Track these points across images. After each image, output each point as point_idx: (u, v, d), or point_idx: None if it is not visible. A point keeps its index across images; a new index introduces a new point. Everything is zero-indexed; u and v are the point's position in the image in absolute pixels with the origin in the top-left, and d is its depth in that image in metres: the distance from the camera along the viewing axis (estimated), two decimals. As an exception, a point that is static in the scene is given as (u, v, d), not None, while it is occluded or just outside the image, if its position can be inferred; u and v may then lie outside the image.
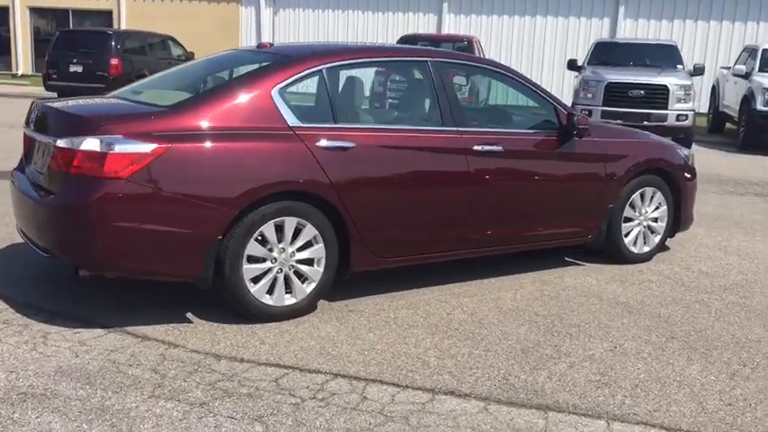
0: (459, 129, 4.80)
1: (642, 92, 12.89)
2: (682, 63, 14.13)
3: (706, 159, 11.96)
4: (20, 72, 24.97)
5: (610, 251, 5.72)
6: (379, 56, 5.23)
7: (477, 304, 4.72)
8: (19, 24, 24.85)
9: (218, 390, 3.42)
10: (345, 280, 4.59)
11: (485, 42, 19.80)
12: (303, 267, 4.30)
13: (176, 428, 3.07)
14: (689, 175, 6.04)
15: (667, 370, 3.85)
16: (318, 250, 4.31)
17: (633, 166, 5.59)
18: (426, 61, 4.88)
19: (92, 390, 3.37)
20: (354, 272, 4.54)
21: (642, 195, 5.74)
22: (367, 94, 5.09)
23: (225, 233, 4.02)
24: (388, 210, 4.52)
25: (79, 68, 16.74)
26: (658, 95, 12.85)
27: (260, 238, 4.13)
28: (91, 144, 3.82)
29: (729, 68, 15.66)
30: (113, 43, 16.91)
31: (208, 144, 4.00)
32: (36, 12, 25.09)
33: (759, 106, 12.90)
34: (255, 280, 4.16)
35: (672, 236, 6.11)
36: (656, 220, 5.87)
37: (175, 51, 19.09)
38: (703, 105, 17.86)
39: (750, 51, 14.93)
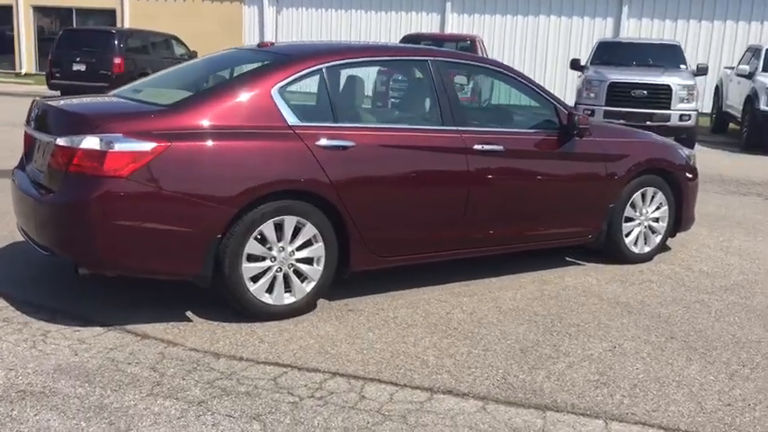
0: (460, 128, 4.80)
1: (645, 92, 12.87)
2: (685, 63, 14.11)
3: (709, 159, 11.94)
4: (23, 71, 25.03)
5: (610, 251, 5.71)
6: (380, 55, 5.24)
7: (477, 304, 4.72)
8: (23, 23, 24.91)
9: (216, 388, 3.43)
10: (345, 279, 4.59)
11: (488, 42, 19.79)
12: (302, 266, 4.30)
13: (174, 427, 3.08)
14: (690, 176, 6.03)
15: (666, 370, 3.84)
16: (318, 249, 4.31)
17: (634, 166, 5.58)
18: (426, 60, 4.88)
19: (90, 388, 3.37)
20: (354, 271, 4.54)
21: (643, 195, 5.74)
22: (367, 93, 5.09)
23: (224, 232, 4.03)
24: (387, 209, 4.52)
25: (82, 67, 16.77)
26: (661, 95, 12.83)
27: (259, 236, 4.13)
28: (91, 143, 3.83)
29: (733, 68, 15.63)
30: (116, 42, 16.93)
31: (207, 143, 4.00)
32: (40, 10, 25.14)
33: (762, 106, 12.87)
34: (255, 279, 4.16)
35: (673, 236, 6.10)
36: (656, 220, 5.86)
37: (178, 50, 19.11)
38: (707, 105, 17.83)
39: (754, 51, 14.89)
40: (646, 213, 5.79)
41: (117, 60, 16.66)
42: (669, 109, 12.80)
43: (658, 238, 5.90)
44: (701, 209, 7.57)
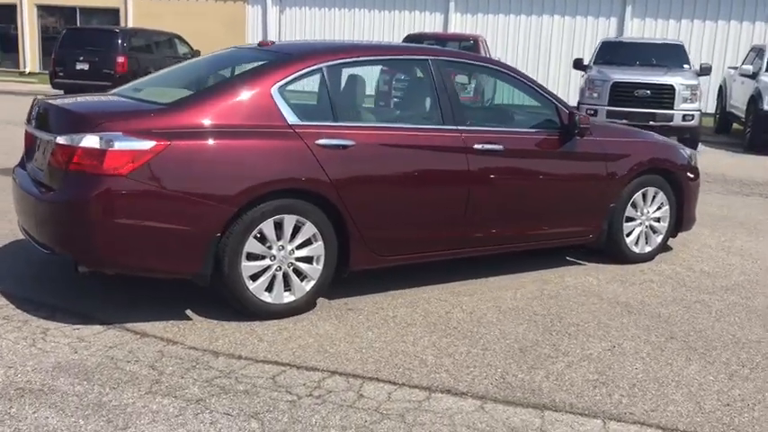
0: (460, 127, 4.79)
1: (648, 91, 12.85)
2: (688, 63, 14.08)
3: (712, 159, 11.93)
4: (27, 70, 25.09)
5: (611, 251, 5.71)
6: (380, 54, 5.23)
7: (477, 303, 4.72)
8: (27, 22, 24.96)
9: (215, 386, 3.43)
10: (345, 278, 4.59)
11: (491, 41, 19.77)
12: (302, 265, 4.30)
13: (172, 424, 3.08)
14: (692, 175, 6.02)
15: (666, 370, 3.84)
16: (317, 248, 4.32)
17: (635, 166, 5.57)
18: (427, 60, 4.88)
19: (89, 385, 3.38)
20: (353, 270, 4.55)
21: (644, 195, 5.73)
22: (367, 92, 5.08)
23: (224, 230, 4.03)
24: (387, 208, 4.52)
25: (86, 66, 16.81)
26: (664, 95, 12.81)
27: (259, 235, 4.13)
28: (90, 141, 3.84)
29: (737, 68, 15.60)
30: (120, 41, 16.96)
31: (207, 141, 4.01)
32: (43, 9, 25.20)
33: (766, 106, 12.83)
34: (254, 277, 4.17)
35: (674, 236, 6.09)
36: (658, 219, 5.85)
37: (182, 49, 19.14)
38: (710, 105, 17.80)
39: (757, 51, 14.85)
40: (647, 213, 5.78)
41: (120, 59, 16.69)
42: (672, 109, 12.78)
43: (659, 238, 5.89)
44: (704, 209, 7.56)
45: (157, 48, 18.40)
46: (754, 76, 13.68)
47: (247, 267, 4.13)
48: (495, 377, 3.67)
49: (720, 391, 3.62)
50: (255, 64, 4.59)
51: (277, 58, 4.55)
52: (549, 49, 20.96)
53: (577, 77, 16.66)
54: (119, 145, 3.83)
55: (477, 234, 4.94)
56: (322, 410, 3.26)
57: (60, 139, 3.94)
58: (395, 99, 6.74)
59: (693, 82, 12.95)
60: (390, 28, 21.94)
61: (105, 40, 17.13)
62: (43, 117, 4.38)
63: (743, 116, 14.10)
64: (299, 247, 4.28)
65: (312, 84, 4.60)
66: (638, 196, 5.68)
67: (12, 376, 3.44)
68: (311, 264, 4.33)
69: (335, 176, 4.28)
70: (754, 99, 13.24)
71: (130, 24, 23.43)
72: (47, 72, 19.67)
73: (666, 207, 5.85)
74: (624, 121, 11.75)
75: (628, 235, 5.71)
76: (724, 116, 16.01)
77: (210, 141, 4.01)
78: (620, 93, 12.97)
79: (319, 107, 4.61)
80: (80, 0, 24.42)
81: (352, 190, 4.35)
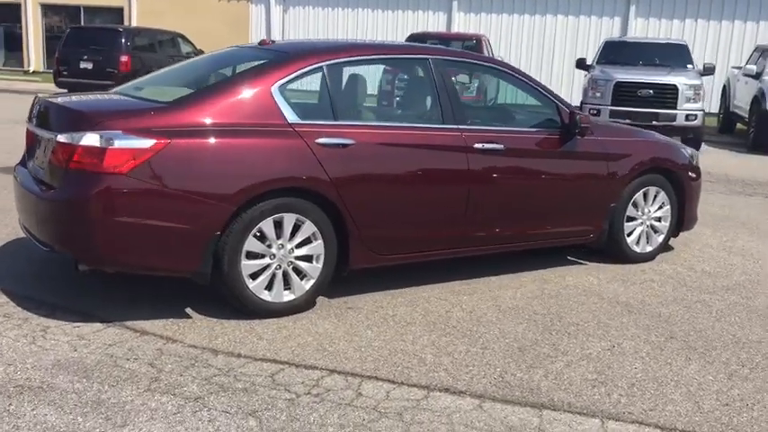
0: (460, 126, 4.79)
1: (651, 91, 12.82)
2: (692, 62, 14.05)
3: (715, 159, 11.91)
4: (31, 69, 25.12)
5: (612, 250, 5.70)
6: (380, 53, 5.22)
7: (477, 302, 4.72)
8: (31, 21, 25.00)
9: (213, 384, 3.44)
10: (345, 277, 4.60)
11: (494, 41, 19.76)
12: (302, 264, 4.31)
13: (170, 422, 3.09)
14: (693, 175, 6.01)
15: (665, 369, 3.83)
16: (317, 247, 4.32)
17: (636, 166, 5.57)
18: (427, 59, 4.88)
19: (88, 383, 3.39)
20: (353, 269, 4.55)
21: (645, 195, 5.72)
22: (367, 91, 5.09)
23: (223, 229, 4.04)
24: (387, 207, 4.52)
25: (89, 65, 16.83)
26: (667, 95, 12.78)
27: (258, 234, 4.14)
28: (91, 139, 3.84)
29: (740, 68, 15.56)
30: (123, 40, 16.98)
31: (207, 140, 4.01)
32: (48, 8, 25.22)
33: (769, 106, 12.81)
34: (254, 276, 4.17)
35: (675, 235, 6.08)
36: (659, 219, 5.84)
37: (185, 49, 19.15)
38: (714, 105, 17.77)
39: (761, 51, 14.82)
40: (648, 213, 5.77)
41: (124, 58, 16.71)
42: (675, 109, 12.75)
43: (660, 238, 5.88)
44: (706, 209, 7.55)
45: (161, 47, 18.42)
46: (757, 76, 13.65)
47: (247, 266, 4.13)
48: (494, 376, 3.67)
49: (719, 391, 3.61)
50: (256, 63, 4.59)
51: (277, 57, 4.56)
52: (553, 49, 20.93)
53: (581, 77, 16.64)
54: (119, 143, 3.83)
55: (478, 233, 4.94)
56: (320, 409, 3.26)
57: (61, 138, 3.95)
58: (395, 98, 6.74)
59: (696, 82, 12.91)
60: (394, 27, 21.93)
61: (109, 39, 17.15)
62: (44, 115, 4.39)
63: (746, 116, 14.08)
64: (299, 245, 4.28)
65: (312, 83, 4.60)
66: (639, 196, 5.67)
67: (11, 373, 3.45)
68: (311, 262, 4.33)
69: (335, 175, 4.28)
70: (758, 99, 13.21)
71: (134, 23, 23.46)
72: (51, 71, 19.70)
73: (668, 207, 5.84)
74: (627, 121, 11.73)
75: (629, 234, 5.70)
76: (727, 116, 15.98)
77: (210, 140, 4.02)
78: (623, 92, 12.94)
79: (319, 106, 4.62)
80: (84, -1, 24.48)
81: (352, 189, 4.36)
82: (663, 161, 5.76)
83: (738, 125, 15.57)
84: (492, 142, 4.86)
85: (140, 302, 4.38)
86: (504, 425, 3.21)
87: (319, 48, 4.82)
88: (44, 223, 4.15)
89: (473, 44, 15.75)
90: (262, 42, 4.99)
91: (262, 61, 4.57)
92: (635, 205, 5.68)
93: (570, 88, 19.83)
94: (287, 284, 4.29)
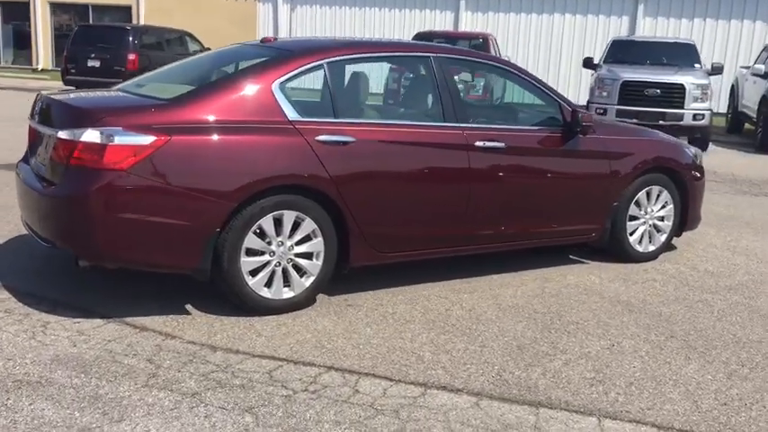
0: (461, 124, 4.79)
1: (658, 90, 12.77)
2: (699, 62, 13.98)
3: (723, 159, 11.86)
4: (40, 66, 25.25)
5: (614, 249, 5.68)
6: (382, 51, 5.22)
7: (477, 301, 4.71)
8: (39, 19, 25.12)
9: (211, 380, 3.45)
10: (346, 274, 4.60)
11: (502, 40, 19.73)
12: (302, 261, 4.31)
13: (167, 418, 3.10)
14: (697, 174, 5.98)
15: (664, 369, 3.82)
16: (317, 244, 4.32)
17: (639, 164, 5.55)
18: (429, 57, 4.87)
19: (86, 378, 3.40)
20: (353, 266, 4.55)
21: (648, 194, 5.70)
22: (368, 89, 5.09)
23: (223, 226, 4.04)
24: (387, 205, 4.52)
25: (97, 63, 16.91)
26: (674, 94, 12.73)
27: (258, 231, 4.15)
28: (91, 136, 3.86)
29: (749, 68, 15.48)
30: (131, 38, 17.05)
31: (207, 137, 4.02)
32: (56, 7, 25.35)
33: (777, 106, 12.74)
34: (253, 273, 4.18)
35: (678, 235, 6.06)
36: (662, 218, 5.82)
37: (192, 47, 19.20)
38: (722, 105, 17.69)
39: (770, 51, 14.75)
40: (651, 212, 5.75)
41: (131, 57, 16.78)
42: (682, 108, 12.69)
43: (663, 237, 5.85)
44: (711, 208, 7.53)
45: (168, 45, 18.47)
46: (766, 75, 13.57)
47: (246, 263, 4.14)
48: (492, 374, 3.66)
49: (718, 391, 3.60)
50: (257, 60, 4.60)
51: (278, 55, 4.56)
52: (561, 48, 20.87)
53: (588, 76, 16.59)
54: (119, 140, 3.84)
55: (478, 231, 4.93)
56: (317, 405, 3.27)
57: (62, 134, 3.97)
58: (396, 96, 6.74)
59: (704, 81, 12.85)
60: (401, 26, 21.93)
61: (116, 37, 17.22)
62: (46, 112, 4.41)
63: (754, 116, 14.00)
64: (299, 242, 4.28)
65: (313, 80, 4.61)
66: (641, 195, 5.65)
67: (10, 368, 3.47)
68: (311, 260, 4.34)
69: (335, 173, 4.28)
70: (766, 99, 13.14)
71: (142, 22, 23.54)
72: (59, 69, 19.80)
73: (671, 206, 5.82)
74: (634, 121, 11.68)
75: (631, 234, 5.69)
76: (736, 116, 15.90)
77: (210, 137, 4.03)
78: (630, 92, 12.89)
79: (320, 103, 4.62)
80: (92, -3, 24.58)
81: (352, 186, 4.36)
82: (666, 160, 5.74)
83: (746, 125, 15.49)
84: (493, 140, 4.86)
85: (141, 299, 4.40)
86: (500, 423, 3.20)
87: (320, 45, 4.82)
88: (45, 219, 4.16)
89: (480, 43, 15.73)
90: (263, 40, 5.00)
91: (263, 58, 4.57)
92: (638, 204, 5.66)
93: (578, 88, 19.78)
94: (286, 281, 4.30)
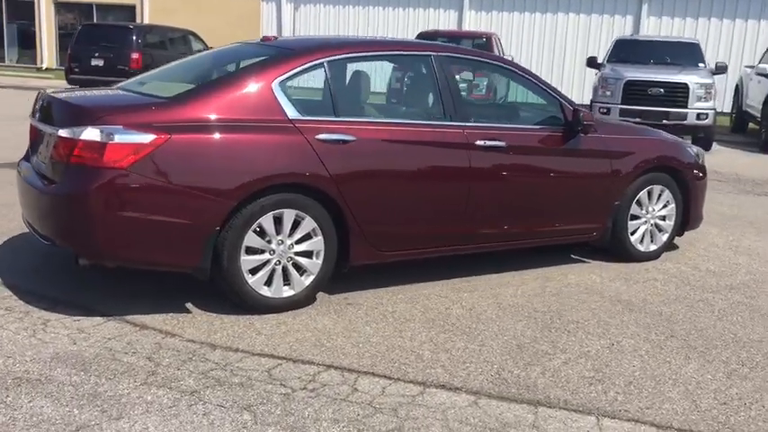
0: (462, 123, 4.78)
1: (662, 90, 12.74)
2: (703, 61, 13.95)
3: (727, 159, 11.84)
4: (44, 65, 25.32)
5: (615, 249, 5.67)
6: (382, 50, 5.21)
7: (477, 300, 4.71)
8: (44, 18, 25.19)
9: (210, 378, 3.45)
10: (346, 273, 4.60)
11: (505, 39, 19.72)
12: (302, 260, 4.31)
13: (165, 415, 3.10)
14: (699, 174, 5.96)
15: (663, 368, 3.81)
16: (317, 243, 4.32)
17: (641, 164, 5.54)
18: (429, 55, 4.87)
19: (86, 376, 3.41)
20: (353, 265, 4.55)
21: (650, 193, 5.68)
22: (369, 87, 5.09)
23: (223, 224, 4.05)
24: (387, 204, 4.52)
25: (100, 62, 16.94)
26: (678, 94, 12.70)
27: (258, 229, 4.15)
28: (91, 134, 3.86)
29: (753, 67, 15.44)
30: (134, 38, 17.08)
31: (207, 135, 4.03)
32: (61, 6, 25.41)
33: (782, 106, 12.70)
34: (253, 271, 4.18)
35: (680, 234, 6.04)
36: (663, 218, 5.81)
37: (196, 46, 19.21)
38: (727, 105, 17.65)
39: (774, 50, 14.71)
40: (652, 211, 5.74)
41: (135, 56, 16.81)
42: (686, 107, 12.66)
43: (665, 237, 5.84)
44: (713, 208, 7.51)
45: (172, 44, 18.50)
46: (770, 75, 13.55)
47: (246, 261, 4.14)
48: (491, 373, 3.66)
49: (718, 390, 3.59)
50: (258, 59, 4.60)
51: (278, 53, 4.57)
52: (564, 48, 20.86)
53: (592, 76, 16.56)
54: (119, 138, 3.85)
55: (479, 230, 4.93)
56: (315, 403, 3.27)
57: (62, 132, 3.98)
58: (397, 95, 6.73)
59: (708, 81, 12.82)
60: (405, 25, 21.93)
61: (120, 36, 17.26)
62: (46, 110, 4.42)
63: (759, 116, 13.96)
64: (299, 241, 4.29)
65: (313, 79, 4.60)
66: (643, 194, 5.64)
67: (10, 366, 3.48)
68: (311, 258, 4.34)
69: (335, 171, 4.29)
70: (770, 98, 13.11)
71: (146, 21, 23.58)
72: (63, 68, 19.84)
73: (672, 205, 5.80)
74: (638, 120, 11.66)
75: (632, 233, 5.68)
76: (740, 115, 15.86)
77: (210, 135, 4.03)
78: (634, 91, 12.87)
79: (320, 102, 4.62)
80: (97, -4, 24.64)
81: (353, 185, 4.36)
82: (668, 159, 5.73)
83: (751, 125, 15.45)
84: (494, 139, 4.85)
85: (141, 297, 4.41)
86: (498, 421, 3.20)
87: (320, 44, 4.82)
88: (45, 218, 4.18)
89: (483, 42, 15.73)
90: (264, 38, 5.01)
91: (263, 57, 4.57)
92: (639, 204, 5.64)
93: (582, 87, 19.77)
94: (286, 280, 4.30)
